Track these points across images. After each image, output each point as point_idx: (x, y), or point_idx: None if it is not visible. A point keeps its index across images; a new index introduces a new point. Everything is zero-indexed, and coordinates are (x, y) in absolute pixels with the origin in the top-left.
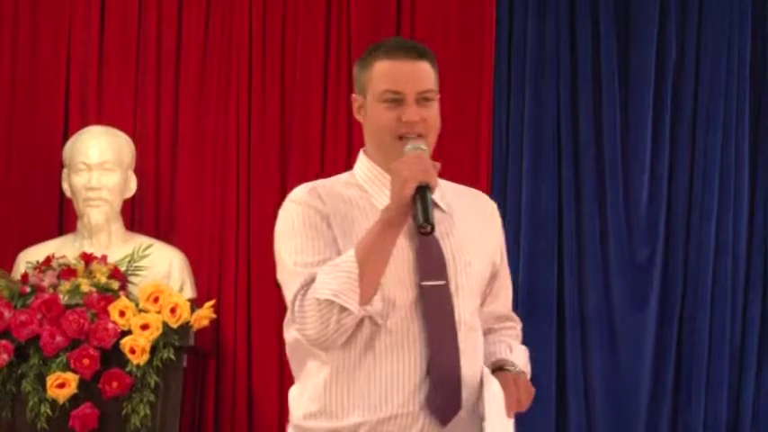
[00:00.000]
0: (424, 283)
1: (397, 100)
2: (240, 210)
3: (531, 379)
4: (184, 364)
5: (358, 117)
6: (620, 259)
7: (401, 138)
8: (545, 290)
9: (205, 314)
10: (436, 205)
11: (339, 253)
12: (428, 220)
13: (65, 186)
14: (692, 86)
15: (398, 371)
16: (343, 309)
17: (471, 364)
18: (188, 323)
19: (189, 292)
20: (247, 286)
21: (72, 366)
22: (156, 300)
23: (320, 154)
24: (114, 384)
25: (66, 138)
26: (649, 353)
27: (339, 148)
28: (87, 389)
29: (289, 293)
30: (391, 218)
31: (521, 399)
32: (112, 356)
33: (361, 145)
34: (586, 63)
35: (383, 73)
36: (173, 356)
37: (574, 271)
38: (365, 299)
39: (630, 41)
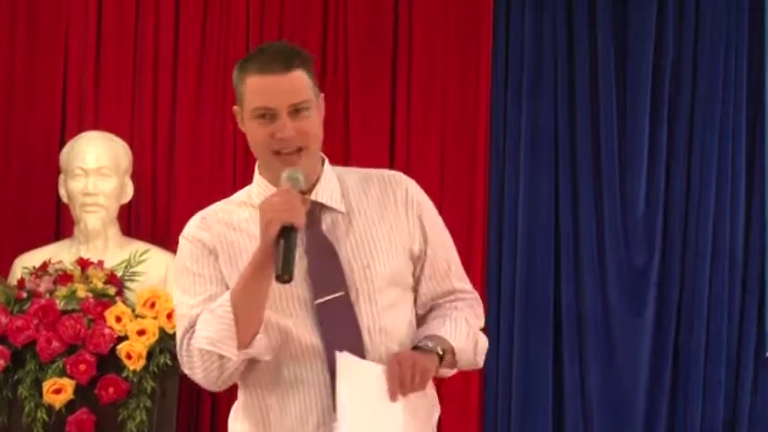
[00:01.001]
0: (317, 301)
1: (269, 116)
2: None
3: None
4: (181, 369)
5: (242, 128)
6: (618, 265)
7: (278, 153)
8: (542, 295)
9: None
10: (330, 208)
11: (227, 287)
12: (286, 270)
13: (61, 192)
14: (688, 94)
15: (306, 402)
16: (222, 356)
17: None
18: None
19: None
20: None
21: (68, 372)
22: (153, 305)
23: None
24: (111, 390)
25: (63, 143)
26: (646, 358)
27: (336, 149)
28: (84, 394)
29: (177, 337)
30: (260, 261)
31: (404, 378)
32: (109, 362)
33: (356, 151)
34: (584, 70)
35: (253, 89)
36: (169, 362)
37: (571, 276)
38: (243, 343)
39: (627, 48)
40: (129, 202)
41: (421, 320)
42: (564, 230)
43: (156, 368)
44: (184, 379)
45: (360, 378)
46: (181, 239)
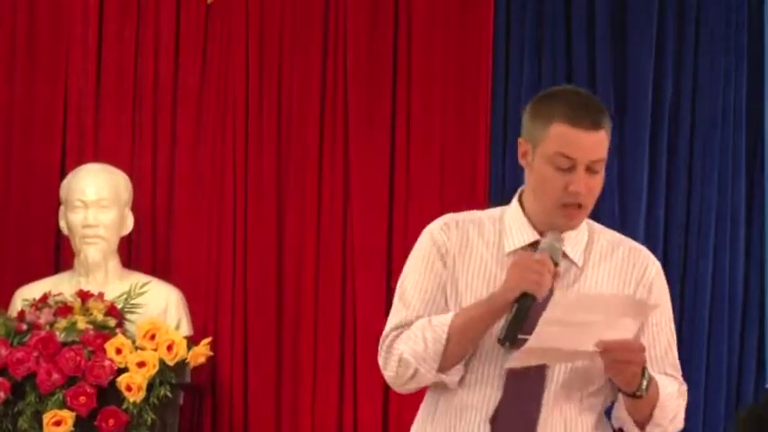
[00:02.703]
0: (519, 336)
1: (568, 167)
2: (237, 247)
3: None
4: (181, 401)
5: (522, 162)
6: None
7: (565, 206)
8: None
9: (201, 351)
10: (567, 257)
11: (448, 295)
12: (509, 336)
13: (61, 224)
14: (688, 125)
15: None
16: (418, 369)
17: None
18: (184, 360)
19: (185, 330)
20: (244, 323)
21: (68, 404)
22: (153, 337)
23: (317, 192)
24: (111, 422)
25: (63, 175)
26: None
27: (336, 185)
28: (84, 426)
29: (386, 326)
30: (493, 307)
31: (623, 346)
32: (109, 394)
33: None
34: None
35: (561, 136)
36: (169, 394)
37: None
38: (444, 368)
39: (626, 81)
40: (129, 234)
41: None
42: None
43: (157, 400)
44: (184, 410)
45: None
46: (424, 231)
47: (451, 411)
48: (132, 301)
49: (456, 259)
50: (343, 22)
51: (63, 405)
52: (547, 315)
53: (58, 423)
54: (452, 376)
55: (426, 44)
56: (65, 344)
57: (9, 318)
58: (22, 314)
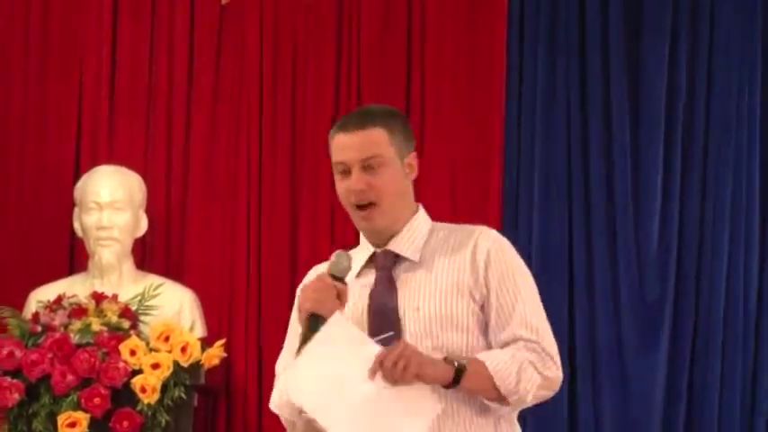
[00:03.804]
0: (374, 340)
1: (344, 171)
2: (250, 248)
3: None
4: (195, 402)
5: None
6: (631, 299)
7: (357, 207)
8: (556, 330)
9: (215, 353)
10: (403, 258)
11: None
12: (299, 350)
13: (76, 226)
14: (702, 128)
15: None
16: (287, 419)
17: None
18: (198, 362)
19: (199, 331)
20: (258, 325)
21: (83, 405)
22: (167, 339)
23: (330, 194)
24: (125, 423)
25: (77, 177)
26: (660, 393)
27: None
28: (98, 428)
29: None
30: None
31: (389, 357)
32: (123, 395)
33: None
34: (596, 105)
35: (334, 146)
36: (183, 395)
37: (584, 310)
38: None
39: (640, 87)
40: (143, 236)
41: None
42: (577, 265)
43: (171, 401)
44: (198, 412)
45: (344, 340)
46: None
47: None
48: (146, 303)
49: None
50: (357, 23)
51: (77, 407)
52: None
53: (72, 425)
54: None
55: (440, 46)
56: (79, 345)
57: (24, 319)
58: (36, 316)
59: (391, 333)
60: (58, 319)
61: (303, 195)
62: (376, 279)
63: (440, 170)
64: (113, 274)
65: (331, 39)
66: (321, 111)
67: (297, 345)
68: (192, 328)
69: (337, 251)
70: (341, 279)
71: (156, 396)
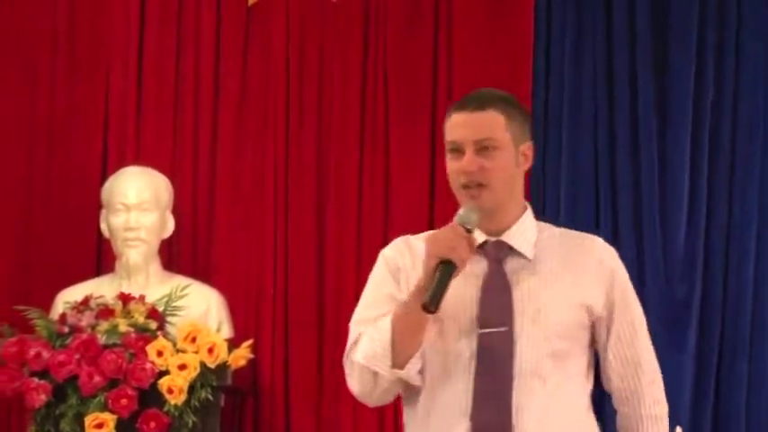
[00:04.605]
0: (481, 331)
1: (457, 150)
2: (277, 249)
3: None
4: (222, 403)
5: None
6: (658, 298)
7: (465, 187)
8: None
9: (242, 354)
10: (517, 252)
11: None
12: (432, 301)
13: (103, 227)
14: (729, 126)
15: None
16: (376, 372)
17: (530, 420)
18: (225, 363)
19: (226, 332)
20: (285, 325)
21: (110, 406)
22: (194, 340)
23: (357, 195)
24: (152, 424)
25: (104, 178)
26: (687, 393)
27: (376, 189)
28: (125, 429)
29: (346, 348)
30: (420, 285)
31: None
32: (150, 396)
33: (397, 186)
34: (624, 104)
35: (449, 126)
36: (210, 396)
37: None
38: (398, 364)
39: (667, 81)
40: (170, 237)
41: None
42: None
43: (198, 402)
44: (225, 413)
45: None
46: (379, 255)
47: (430, 414)
48: (173, 304)
49: (410, 276)
50: (384, 22)
51: (104, 407)
52: None
53: (99, 425)
54: (410, 371)
55: (466, 43)
56: (106, 346)
57: (51, 320)
58: (63, 317)
59: (506, 328)
60: (86, 320)
61: (330, 195)
62: (489, 272)
63: None
64: (140, 275)
65: (357, 37)
66: (347, 111)
67: (381, 304)
68: (218, 329)
69: (467, 203)
70: (469, 231)
71: (183, 397)
